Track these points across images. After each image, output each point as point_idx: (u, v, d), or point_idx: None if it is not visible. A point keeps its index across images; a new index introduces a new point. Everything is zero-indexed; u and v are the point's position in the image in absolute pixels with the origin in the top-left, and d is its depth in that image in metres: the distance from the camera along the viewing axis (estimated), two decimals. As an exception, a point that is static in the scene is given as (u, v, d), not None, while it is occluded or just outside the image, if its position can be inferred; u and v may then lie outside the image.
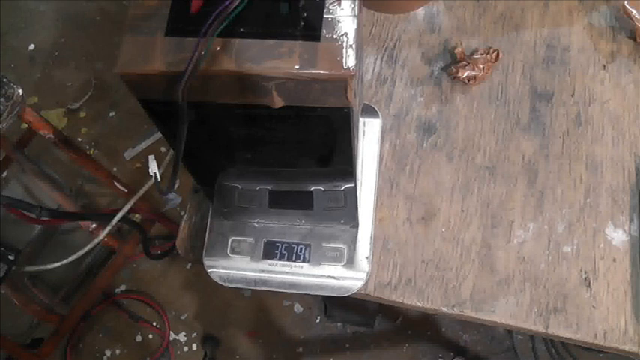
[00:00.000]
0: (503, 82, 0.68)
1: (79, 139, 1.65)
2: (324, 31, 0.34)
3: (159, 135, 1.31)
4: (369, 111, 0.63)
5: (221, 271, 0.58)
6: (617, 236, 0.60)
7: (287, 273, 0.57)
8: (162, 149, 1.58)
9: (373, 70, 0.69)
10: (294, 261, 0.57)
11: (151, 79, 0.34)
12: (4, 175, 1.32)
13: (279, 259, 0.57)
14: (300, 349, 1.41)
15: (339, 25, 0.34)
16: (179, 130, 0.35)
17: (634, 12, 0.67)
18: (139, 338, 1.45)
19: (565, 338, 0.57)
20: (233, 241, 0.58)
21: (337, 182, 0.49)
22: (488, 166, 0.64)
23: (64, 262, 1.06)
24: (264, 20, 0.34)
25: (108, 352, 1.44)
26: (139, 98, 0.36)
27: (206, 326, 1.45)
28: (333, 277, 0.57)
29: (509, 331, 1.34)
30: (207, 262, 0.58)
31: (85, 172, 1.47)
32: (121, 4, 1.80)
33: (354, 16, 0.34)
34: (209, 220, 0.60)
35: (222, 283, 0.58)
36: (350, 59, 0.33)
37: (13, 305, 1.16)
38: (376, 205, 0.60)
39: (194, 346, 1.44)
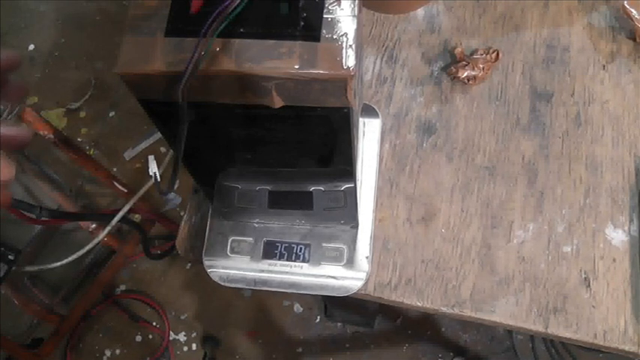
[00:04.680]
0: (503, 82, 0.68)
1: (79, 139, 1.65)
2: (324, 31, 0.33)
3: (159, 135, 1.31)
4: (369, 111, 0.63)
5: (221, 271, 0.58)
6: (617, 236, 0.60)
7: (287, 273, 0.57)
8: (162, 149, 1.58)
9: (373, 70, 0.69)
10: (294, 261, 0.57)
11: (151, 79, 0.34)
12: (4, 175, 1.31)
13: (279, 259, 0.57)
14: (300, 349, 1.41)
15: (339, 25, 0.34)
16: (179, 130, 0.35)
17: (634, 12, 0.67)
18: (138, 338, 1.45)
19: (565, 338, 0.57)
20: (233, 241, 0.58)
21: (337, 182, 0.49)
22: (488, 166, 0.64)
23: (64, 262, 1.06)
24: (264, 20, 0.34)
25: (108, 352, 1.44)
26: (139, 98, 0.36)
27: (206, 326, 1.45)
28: (333, 277, 0.57)
29: (509, 331, 1.34)
30: (207, 262, 0.58)
31: (85, 172, 1.47)
32: (121, 4, 1.80)
33: (354, 16, 0.34)
34: (209, 220, 0.60)
35: (222, 283, 0.58)
36: (350, 59, 0.33)
37: (13, 305, 1.16)
38: (376, 205, 0.60)
39: (194, 346, 1.44)
